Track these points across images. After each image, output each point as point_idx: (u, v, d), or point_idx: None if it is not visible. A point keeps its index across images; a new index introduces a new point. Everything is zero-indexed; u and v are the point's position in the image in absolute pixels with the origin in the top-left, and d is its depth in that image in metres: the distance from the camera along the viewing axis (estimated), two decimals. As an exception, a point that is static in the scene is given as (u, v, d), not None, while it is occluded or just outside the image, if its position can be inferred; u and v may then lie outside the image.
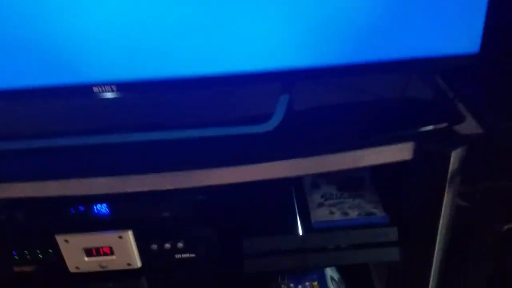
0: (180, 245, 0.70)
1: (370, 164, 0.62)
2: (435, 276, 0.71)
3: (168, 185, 0.63)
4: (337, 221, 0.71)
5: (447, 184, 0.62)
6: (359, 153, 0.61)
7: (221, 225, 0.72)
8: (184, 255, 0.71)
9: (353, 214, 0.72)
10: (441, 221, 0.66)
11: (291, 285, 0.78)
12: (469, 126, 0.64)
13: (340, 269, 0.92)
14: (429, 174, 0.62)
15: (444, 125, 0.61)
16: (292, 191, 0.79)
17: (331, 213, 0.72)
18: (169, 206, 0.68)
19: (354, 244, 0.70)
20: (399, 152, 0.61)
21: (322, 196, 0.76)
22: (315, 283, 0.79)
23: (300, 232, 0.71)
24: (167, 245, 0.70)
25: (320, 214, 0.72)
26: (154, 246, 0.70)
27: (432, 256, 0.69)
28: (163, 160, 0.63)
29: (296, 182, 0.81)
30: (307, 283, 0.78)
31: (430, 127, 0.61)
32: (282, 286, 0.78)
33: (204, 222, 0.70)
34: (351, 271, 0.96)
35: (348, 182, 0.79)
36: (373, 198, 0.75)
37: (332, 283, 0.83)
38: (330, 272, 0.86)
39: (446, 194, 0.63)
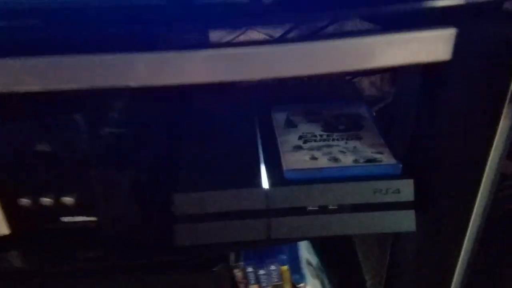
0: (69, 200, 0.44)
1: (380, 65, 0.38)
2: (465, 259, 0.48)
3: (44, 84, 0.36)
4: (321, 170, 0.45)
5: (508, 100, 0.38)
6: (357, 43, 0.37)
7: (141, 171, 0.46)
8: (77, 218, 0.45)
9: (346, 160, 0.47)
10: (487, 170, 0.42)
11: (249, 269, 0.53)
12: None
13: (319, 253, 0.68)
14: (478, 82, 0.38)
15: None
16: (255, 129, 0.55)
17: (313, 158, 0.48)
18: (50, 133, 0.42)
19: (346, 205, 0.45)
20: (431, 45, 0.37)
21: (300, 138, 0.51)
22: (285, 268, 0.54)
23: (264, 185, 0.46)
24: (48, 201, 0.44)
25: (296, 160, 0.47)
26: (26, 201, 0.44)
27: (466, 227, 0.45)
28: (43, 36, 0.36)
29: (261, 117, 0.57)
30: (272, 267, 0.54)
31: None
32: (235, 270, 0.54)
33: (113, 166, 0.44)
34: (334, 255, 0.72)
35: (338, 121, 0.55)
36: (376, 140, 0.50)
37: (308, 268, 0.59)
38: (306, 254, 0.61)
39: (502, 120, 0.39)
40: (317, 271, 0.63)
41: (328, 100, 0.59)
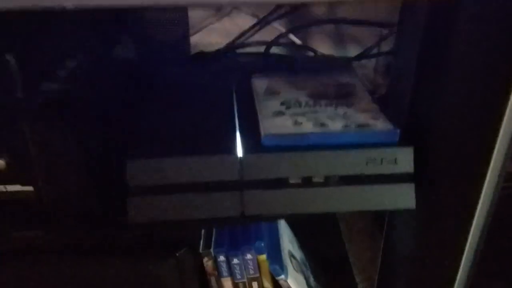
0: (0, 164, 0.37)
1: None
2: (473, 245, 0.41)
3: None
4: (306, 136, 0.38)
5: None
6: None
7: (93, 132, 0.39)
8: (11, 187, 0.38)
9: (335, 126, 0.40)
10: (501, 135, 0.36)
11: (221, 257, 0.46)
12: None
13: (305, 249, 0.61)
14: (491, 26, 0.32)
15: None
16: (231, 96, 0.48)
17: (296, 124, 0.41)
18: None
19: (334, 177, 0.38)
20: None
21: (282, 104, 0.45)
22: (263, 257, 0.47)
23: (238, 153, 0.39)
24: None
25: (277, 125, 0.40)
26: None
27: (475, 206, 0.39)
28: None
29: (240, 85, 0.49)
30: (248, 256, 0.46)
31: None
32: (205, 259, 0.46)
33: (56, 123, 0.37)
34: (321, 253, 0.65)
35: (327, 88, 0.48)
36: (369, 106, 0.44)
37: (292, 261, 0.52)
38: (289, 245, 0.54)
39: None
40: (301, 266, 0.55)
41: (316, 71, 0.52)
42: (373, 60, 0.78)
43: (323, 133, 0.38)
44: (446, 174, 0.38)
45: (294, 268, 0.51)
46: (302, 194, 0.38)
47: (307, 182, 0.38)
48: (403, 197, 0.38)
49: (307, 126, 0.39)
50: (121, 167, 0.37)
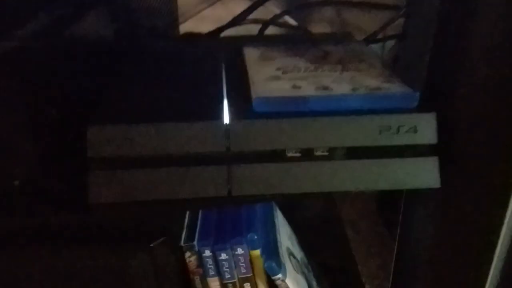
0: None
1: None
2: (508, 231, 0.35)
3: None
4: (306, 100, 0.31)
5: None
6: None
7: (51, 98, 0.33)
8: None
9: (341, 89, 0.34)
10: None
11: (206, 252, 0.39)
12: None
13: (306, 250, 0.54)
14: None
15: None
16: (221, 65, 0.41)
17: (295, 87, 0.34)
18: None
19: (340, 149, 0.31)
20: None
21: (278, 69, 0.39)
22: (256, 253, 0.40)
23: (225, 120, 0.33)
24: None
25: (272, 89, 0.34)
26: None
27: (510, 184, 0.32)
28: None
29: (230, 54, 0.43)
30: (239, 250, 0.39)
31: None
32: (187, 254, 0.39)
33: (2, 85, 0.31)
34: (324, 254, 0.58)
35: (331, 54, 0.42)
36: (381, 71, 0.37)
37: (291, 260, 0.45)
38: (287, 242, 0.47)
39: None
40: (303, 267, 0.48)
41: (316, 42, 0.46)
42: (379, 52, 0.73)
43: (326, 96, 0.32)
44: (475, 146, 0.32)
45: (294, 268, 0.44)
46: (302, 170, 0.31)
47: (307, 155, 0.31)
48: (425, 174, 0.31)
49: (307, 89, 0.33)
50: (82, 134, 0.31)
